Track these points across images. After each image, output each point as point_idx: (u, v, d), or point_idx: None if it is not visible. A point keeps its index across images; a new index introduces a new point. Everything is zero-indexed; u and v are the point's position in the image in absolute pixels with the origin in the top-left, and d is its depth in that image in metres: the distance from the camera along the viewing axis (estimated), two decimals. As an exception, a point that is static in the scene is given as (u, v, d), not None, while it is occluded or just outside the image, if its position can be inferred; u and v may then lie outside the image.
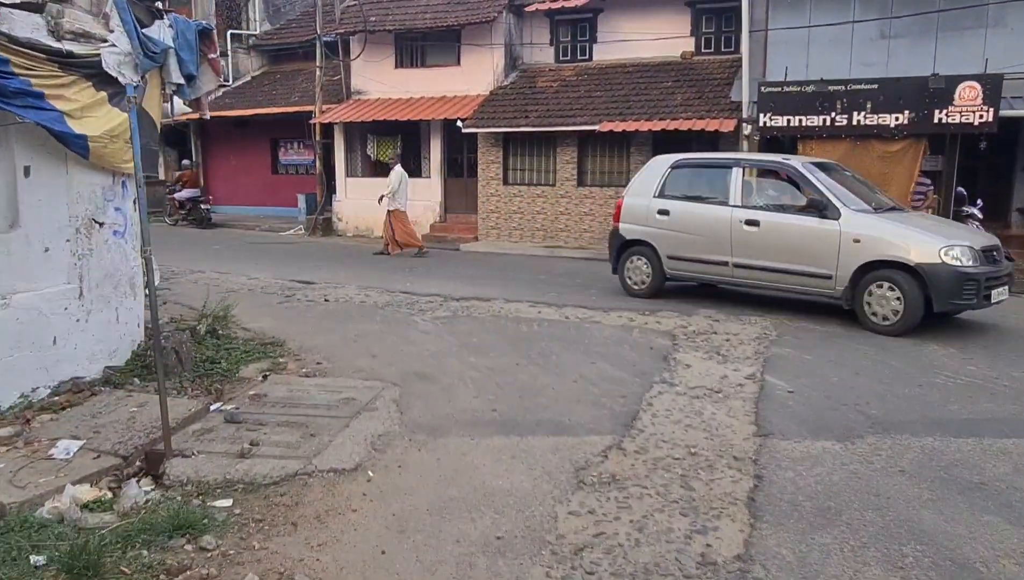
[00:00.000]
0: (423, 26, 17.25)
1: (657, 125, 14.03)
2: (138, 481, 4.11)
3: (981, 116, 11.54)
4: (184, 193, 20.99)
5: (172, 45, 5.97)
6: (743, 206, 8.53)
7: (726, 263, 8.62)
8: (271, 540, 3.32)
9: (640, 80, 15.73)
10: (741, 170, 8.72)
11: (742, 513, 3.57)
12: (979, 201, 12.46)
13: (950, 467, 4.10)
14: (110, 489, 3.98)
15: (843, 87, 12.53)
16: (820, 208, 7.88)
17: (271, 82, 23.17)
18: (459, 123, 16.15)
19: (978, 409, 5.12)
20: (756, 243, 8.35)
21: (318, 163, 19.30)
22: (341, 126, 18.58)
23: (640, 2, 15.97)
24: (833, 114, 12.62)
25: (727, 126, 13.46)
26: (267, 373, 6.02)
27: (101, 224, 5.76)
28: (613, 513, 3.58)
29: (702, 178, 9.28)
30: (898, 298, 7.33)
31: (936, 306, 7.20)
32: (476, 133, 16.32)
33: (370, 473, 4.03)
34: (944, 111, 11.77)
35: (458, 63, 17.68)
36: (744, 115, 13.48)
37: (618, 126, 14.29)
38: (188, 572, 3.03)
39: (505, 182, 16.57)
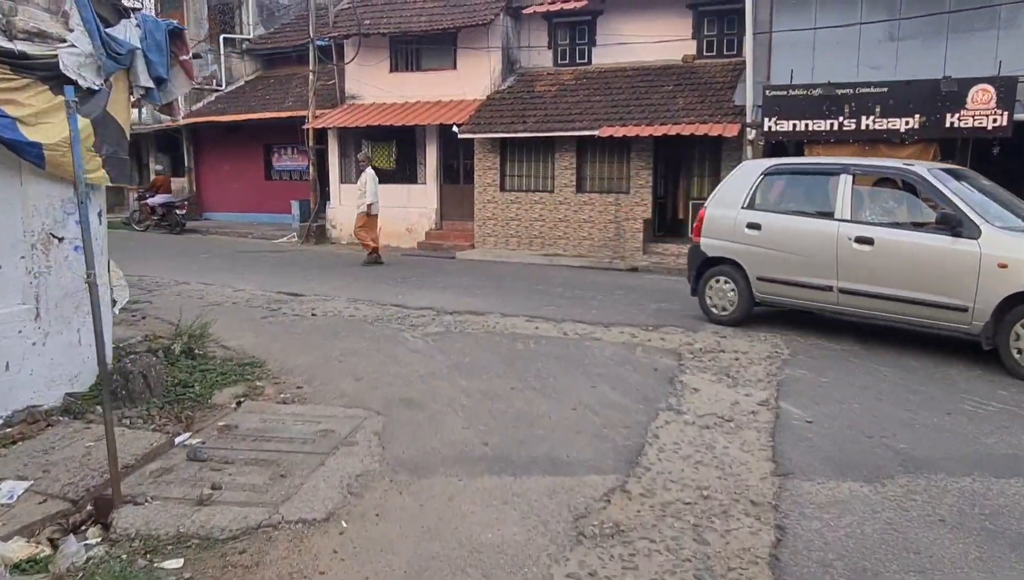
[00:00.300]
0: (418, 29, 16.84)
1: (658, 130, 13.61)
2: (86, 531, 3.67)
3: (995, 120, 11.13)
4: (158, 198, 20.82)
5: (139, 46, 5.54)
6: (853, 221, 7.22)
7: (830, 288, 7.31)
8: (224, 611, 2.88)
9: (640, 84, 15.31)
10: (850, 177, 7.37)
11: (765, 576, 3.12)
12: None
13: (996, 515, 3.66)
14: (51, 542, 3.53)
15: (851, 90, 12.14)
16: (953, 224, 6.54)
17: (264, 87, 22.78)
18: (455, 128, 15.73)
19: (1018, 442, 4.67)
20: (869, 265, 7.03)
21: (311, 169, 18.89)
22: (335, 131, 18.17)
23: (640, 4, 15.57)
24: (841, 118, 12.21)
25: (731, 131, 13.05)
26: (241, 399, 5.57)
27: (60, 239, 5.33)
28: (618, 576, 3.13)
29: (801, 186, 8.05)
30: None
31: None
32: (472, 139, 15.90)
33: (344, 523, 3.58)
34: (956, 115, 11.36)
35: (454, 67, 17.28)
36: (748, 119, 13.07)
37: (618, 131, 13.86)
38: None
39: (502, 188, 16.15)
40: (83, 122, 5.17)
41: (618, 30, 15.97)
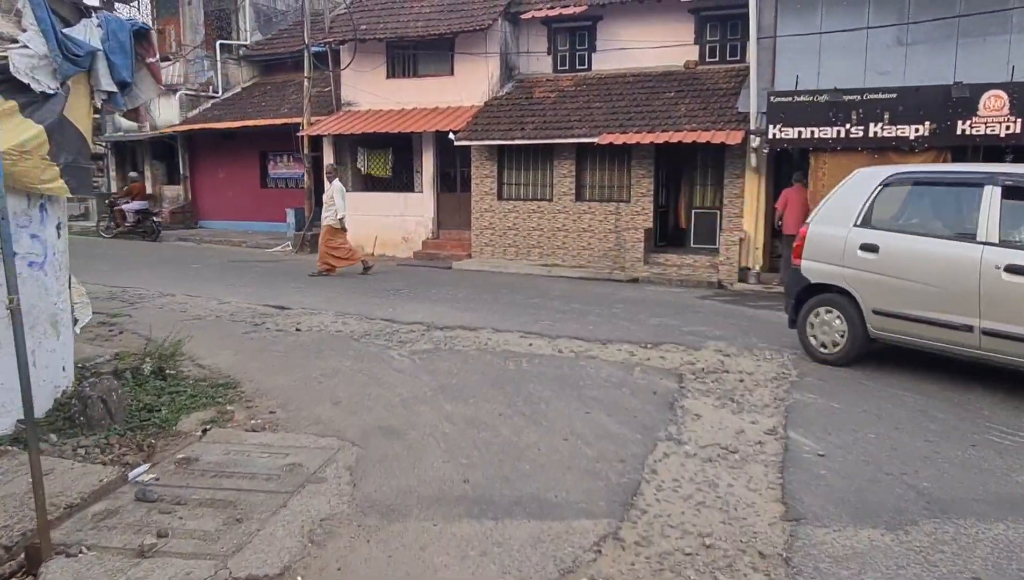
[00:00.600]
0: (415, 34, 16.50)
1: (660, 137, 13.23)
2: (14, 584, 3.28)
3: (1008, 127, 10.73)
4: (133, 205, 20.59)
5: (100, 47, 5.18)
6: (1002, 244, 5.78)
7: (970, 328, 5.90)
8: None
9: (641, 90, 14.94)
10: (998, 189, 5.91)
11: (777, 649, 2.72)
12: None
13: (1036, 571, 3.25)
14: (-28, 599, 3.15)
15: (859, 96, 11.76)
16: None
17: (261, 93, 22.48)
18: (451, 135, 15.37)
19: (1050, 479, 4.26)
20: None
21: (306, 177, 18.54)
22: (330, 139, 17.81)
23: (641, 10, 15.20)
24: (848, 125, 11.84)
25: (734, 138, 12.66)
26: (208, 426, 5.17)
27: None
28: (607, 649, 2.73)
29: (931, 200, 6.67)
30: None
31: None
32: (469, 146, 15.53)
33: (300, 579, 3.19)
34: (968, 121, 10.98)
35: (451, 73, 16.93)
36: (752, 126, 12.69)
37: (618, 138, 13.49)
38: None
39: (500, 197, 15.77)
40: (37, 129, 4.81)
41: (619, 35, 15.62)
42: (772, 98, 12.21)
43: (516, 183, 15.74)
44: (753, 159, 12.92)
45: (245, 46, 23.49)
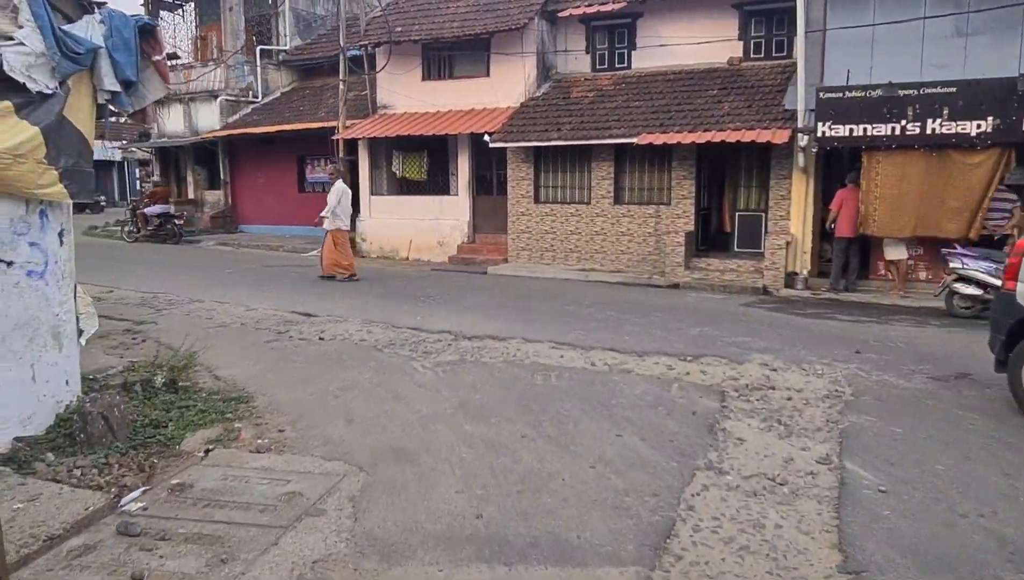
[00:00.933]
0: (450, 35, 16.19)
1: (701, 137, 12.65)
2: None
3: (1082, 122, 9.94)
4: (155, 209, 20.99)
5: (102, 44, 4.92)
6: None
7: None
8: None
9: (683, 89, 14.37)
10: None
11: None
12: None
13: None
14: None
15: (915, 91, 11.06)
16: None
17: (299, 98, 22.49)
18: (486, 137, 15.01)
19: None
20: None
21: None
22: (365, 142, 17.62)
23: (683, 6, 14.63)
24: (904, 121, 11.15)
25: (780, 137, 12.02)
26: (211, 447, 4.86)
27: (10, 263, 4.70)
28: None
29: None
30: None
31: None
32: (505, 148, 15.15)
33: (283, 635, 2.81)
34: (1035, 116, 10.20)
35: (487, 74, 16.57)
36: (800, 124, 12.03)
37: (658, 138, 12.95)
38: None
39: (536, 200, 15.35)
40: (32, 131, 4.56)
41: (659, 32, 15.07)
42: (821, 94, 11.57)
43: (553, 186, 15.31)
44: (801, 159, 12.26)
45: (284, 51, 23.55)
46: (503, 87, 16.22)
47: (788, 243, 12.45)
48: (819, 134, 11.61)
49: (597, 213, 14.59)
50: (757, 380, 6.33)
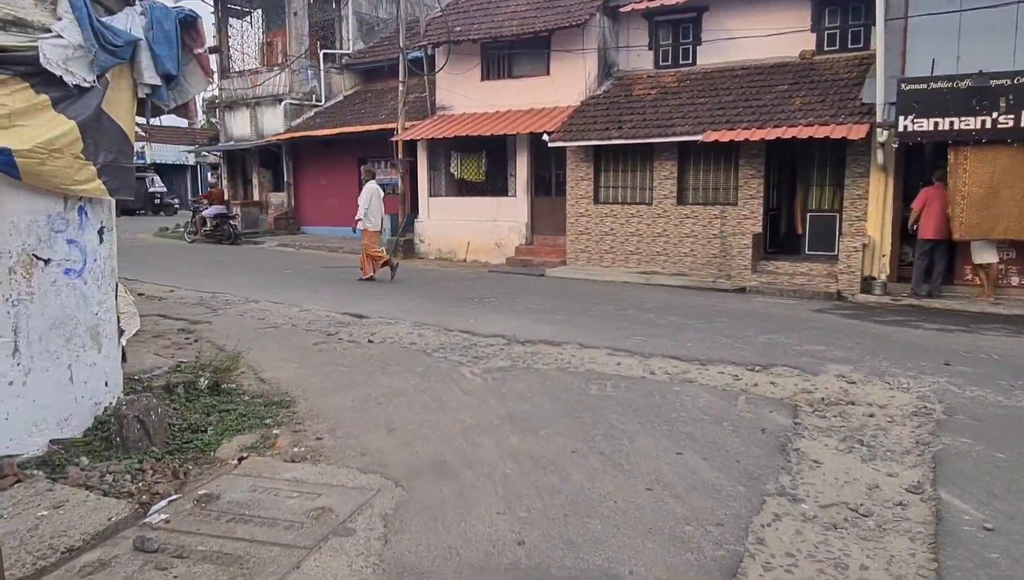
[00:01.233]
0: (510, 33, 15.91)
1: (771, 133, 12.00)
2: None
3: None
4: (211, 210, 21.56)
5: (142, 37, 4.77)
6: None
7: None
8: None
9: (751, 84, 13.71)
10: None
11: None
12: None
13: None
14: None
15: (1008, 81, 10.21)
16: None
17: (361, 101, 22.64)
18: (545, 136, 14.66)
19: None
20: None
21: (400, 182, 18.35)
22: (424, 143, 17.52)
23: (751, -3, 14.00)
24: (996, 114, 10.30)
25: (857, 133, 11.28)
26: (245, 454, 4.64)
27: (47, 261, 4.58)
28: None
29: None
30: None
31: None
32: (564, 147, 14.77)
33: (293, 676, 2.51)
34: None
35: (547, 73, 16.24)
36: (879, 119, 11.27)
37: (724, 136, 12.35)
38: None
39: (596, 201, 14.91)
40: (68, 125, 4.43)
41: (726, 26, 14.45)
42: (903, 86, 10.80)
43: (613, 186, 14.85)
44: (880, 155, 11.48)
45: (347, 55, 23.76)
46: (563, 86, 15.86)
47: (865, 245, 11.68)
48: (900, 129, 10.83)
49: (659, 214, 14.06)
50: (834, 394, 5.79)
